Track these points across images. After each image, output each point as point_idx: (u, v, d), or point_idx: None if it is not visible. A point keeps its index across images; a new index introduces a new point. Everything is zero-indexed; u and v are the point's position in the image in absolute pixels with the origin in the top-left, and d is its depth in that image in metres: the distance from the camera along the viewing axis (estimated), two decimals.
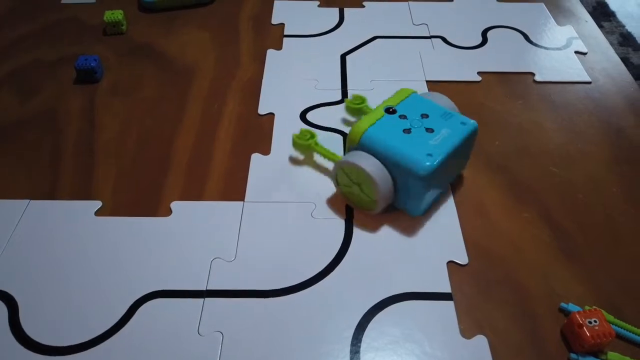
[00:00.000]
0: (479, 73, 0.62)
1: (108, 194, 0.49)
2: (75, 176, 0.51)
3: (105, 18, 0.67)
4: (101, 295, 0.41)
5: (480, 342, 0.39)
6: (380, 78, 0.61)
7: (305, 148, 0.51)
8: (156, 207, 0.48)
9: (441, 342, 0.39)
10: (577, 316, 0.38)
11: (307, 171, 0.51)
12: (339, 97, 0.59)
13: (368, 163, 0.43)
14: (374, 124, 0.45)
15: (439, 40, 0.67)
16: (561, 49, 0.66)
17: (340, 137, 0.54)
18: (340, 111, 0.57)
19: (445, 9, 0.73)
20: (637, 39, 1.52)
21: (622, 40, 1.51)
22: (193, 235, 0.45)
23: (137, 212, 0.47)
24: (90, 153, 0.53)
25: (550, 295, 0.42)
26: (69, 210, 0.47)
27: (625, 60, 1.43)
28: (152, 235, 0.45)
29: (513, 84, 0.61)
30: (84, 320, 0.40)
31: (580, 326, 0.37)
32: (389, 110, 0.46)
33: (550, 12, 0.72)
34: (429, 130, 0.44)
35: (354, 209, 0.47)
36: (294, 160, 0.52)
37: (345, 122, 0.56)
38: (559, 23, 0.70)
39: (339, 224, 0.46)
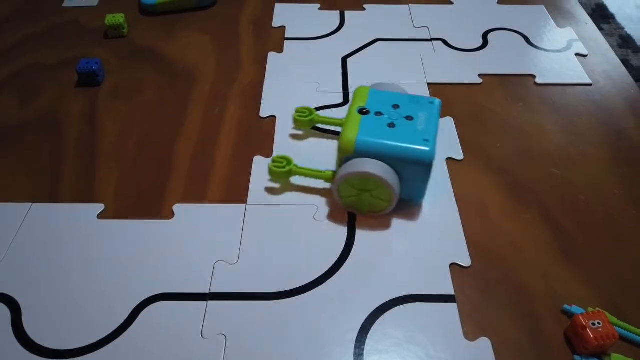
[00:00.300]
0: (479, 75, 0.62)
1: (110, 197, 0.49)
2: (77, 179, 0.51)
3: (106, 21, 0.67)
4: (104, 298, 0.41)
5: (484, 345, 0.39)
6: (381, 81, 0.61)
7: (286, 175, 0.48)
8: (159, 210, 0.48)
9: (445, 344, 0.39)
10: (581, 318, 0.38)
11: None
12: (341, 100, 0.59)
13: (373, 167, 0.43)
14: (359, 129, 0.45)
15: (440, 42, 0.67)
16: (561, 51, 0.66)
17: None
18: (342, 113, 0.57)
19: (446, 12, 0.73)
20: (636, 41, 1.52)
21: (622, 42, 1.51)
22: (196, 238, 0.45)
23: (139, 215, 0.47)
24: (92, 156, 0.53)
25: (552, 297, 0.42)
26: (71, 214, 0.47)
27: (625, 62, 1.43)
28: (154, 238, 0.45)
29: (514, 86, 0.61)
30: (87, 323, 0.40)
31: (584, 328, 0.37)
32: (363, 111, 0.47)
33: (550, 14, 0.73)
34: (409, 118, 0.46)
35: (360, 215, 0.47)
36: None
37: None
38: (559, 25, 0.71)
39: (342, 226, 0.46)
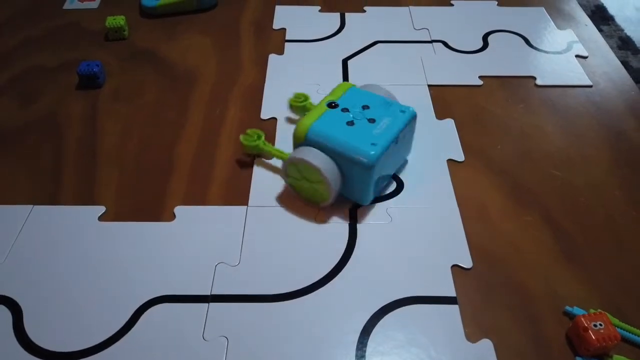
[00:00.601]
0: (480, 77, 0.62)
1: (111, 199, 0.49)
2: (78, 181, 0.51)
3: (107, 24, 0.67)
4: (105, 300, 0.41)
5: (486, 346, 0.39)
6: (382, 83, 0.61)
7: (254, 149, 0.52)
8: (160, 212, 0.48)
9: (446, 346, 0.39)
10: (582, 319, 0.38)
11: None
12: None
13: (316, 157, 0.44)
14: (317, 119, 0.46)
15: (440, 44, 0.67)
16: (562, 52, 0.66)
17: None
18: None
19: (446, 14, 0.73)
20: (636, 42, 1.52)
21: (621, 44, 1.51)
22: (197, 240, 0.45)
23: (140, 217, 0.47)
24: (93, 158, 0.53)
25: (553, 298, 0.42)
26: (72, 216, 0.47)
27: (624, 64, 1.43)
28: (156, 240, 0.45)
29: (514, 87, 0.61)
30: (88, 325, 0.40)
31: (586, 329, 0.37)
32: (331, 105, 0.48)
33: (550, 15, 0.73)
34: (371, 120, 0.46)
35: (307, 203, 0.48)
36: None
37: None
38: (559, 27, 0.71)
39: (343, 228, 0.46)
